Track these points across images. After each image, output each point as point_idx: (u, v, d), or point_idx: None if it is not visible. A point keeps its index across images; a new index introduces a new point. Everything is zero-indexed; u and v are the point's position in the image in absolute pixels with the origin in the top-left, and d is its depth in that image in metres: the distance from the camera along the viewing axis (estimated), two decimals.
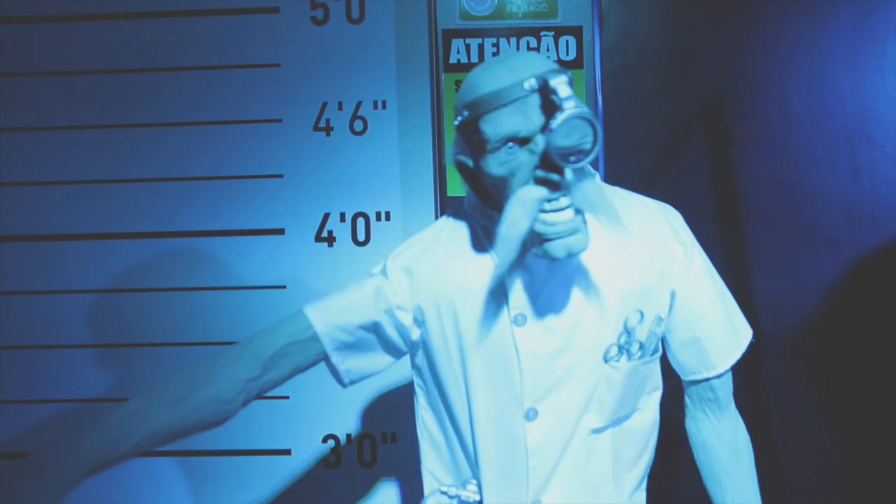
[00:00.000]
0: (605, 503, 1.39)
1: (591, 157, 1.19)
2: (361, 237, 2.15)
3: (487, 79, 1.25)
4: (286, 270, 2.15)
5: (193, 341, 2.13)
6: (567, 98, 1.17)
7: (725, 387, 1.48)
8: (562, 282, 1.34)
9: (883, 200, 2.17)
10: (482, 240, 1.38)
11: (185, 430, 1.32)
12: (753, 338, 1.48)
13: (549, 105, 1.20)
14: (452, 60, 2.05)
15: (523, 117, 1.21)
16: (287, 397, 2.15)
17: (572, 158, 1.18)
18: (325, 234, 2.15)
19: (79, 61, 2.15)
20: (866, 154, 2.18)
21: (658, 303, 1.38)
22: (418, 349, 1.44)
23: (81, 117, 2.15)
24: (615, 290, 1.35)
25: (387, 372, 1.49)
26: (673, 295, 1.40)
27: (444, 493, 1.43)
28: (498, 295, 1.34)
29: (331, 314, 1.38)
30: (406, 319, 1.40)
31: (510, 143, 1.23)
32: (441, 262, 1.39)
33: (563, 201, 1.21)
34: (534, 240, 1.24)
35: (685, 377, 1.49)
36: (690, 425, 1.52)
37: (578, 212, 1.23)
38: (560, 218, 1.21)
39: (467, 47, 2.05)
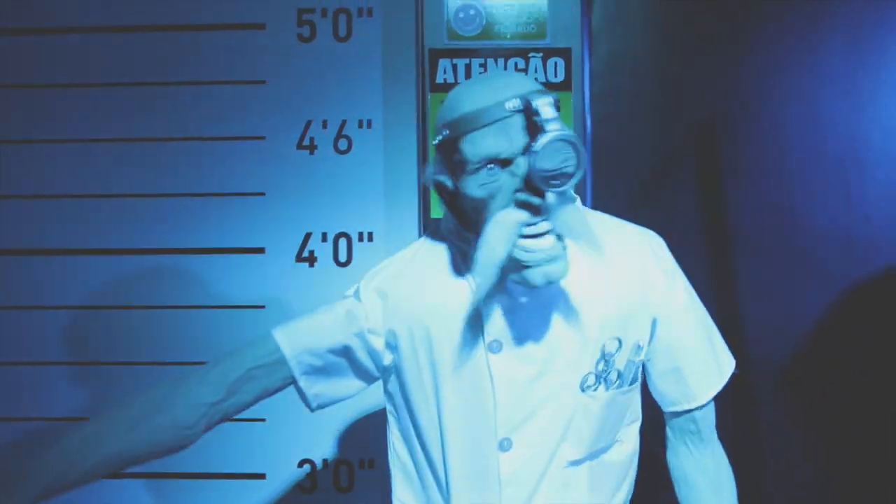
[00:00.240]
0: None
1: (574, 182, 1.17)
2: (343, 258, 2.13)
3: (469, 98, 1.23)
4: (265, 290, 2.12)
5: (169, 360, 2.10)
6: (551, 120, 1.15)
7: (708, 419, 1.45)
8: (539, 308, 1.31)
9: (875, 228, 2.16)
10: (458, 263, 1.35)
11: (143, 456, 1.29)
12: (737, 368, 1.45)
13: (532, 126, 1.18)
14: (439, 80, 2.04)
15: (505, 138, 1.19)
16: (263, 420, 2.12)
17: (555, 182, 1.16)
18: (306, 253, 2.13)
19: (62, 75, 2.14)
20: (859, 181, 2.17)
21: (638, 330, 1.35)
22: (391, 374, 1.41)
23: (61, 131, 2.14)
24: (594, 318, 1.32)
25: (366, 396, 1.46)
26: (654, 323, 1.37)
27: None
28: (473, 320, 1.31)
29: (299, 337, 1.35)
30: (378, 343, 1.37)
31: (491, 165, 1.20)
32: (415, 286, 1.36)
33: (544, 226, 1.19)
34: (512, 266, 1.21)
35: (666, 408, 1.45)
36: (672, 458, 1.49)
37: (559, 238, 1.21)
38: (540, 245, 1.19)
39: (454, 67, 2.03)
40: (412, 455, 1.42)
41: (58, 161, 2.14)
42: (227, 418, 1.34)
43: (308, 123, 2.11)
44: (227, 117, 2.11)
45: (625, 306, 1.34)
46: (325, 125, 2.11)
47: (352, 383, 1.41)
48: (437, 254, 1.38)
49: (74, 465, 1.22)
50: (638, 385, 1.40)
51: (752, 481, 2.10)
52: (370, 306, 1.36)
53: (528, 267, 1.19)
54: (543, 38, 2.03)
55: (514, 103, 1.18)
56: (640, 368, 1.40)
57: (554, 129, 1.15)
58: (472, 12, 2.02)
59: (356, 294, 1.39)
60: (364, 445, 2.12)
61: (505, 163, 1.20)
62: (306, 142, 2.12)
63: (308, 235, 2.12)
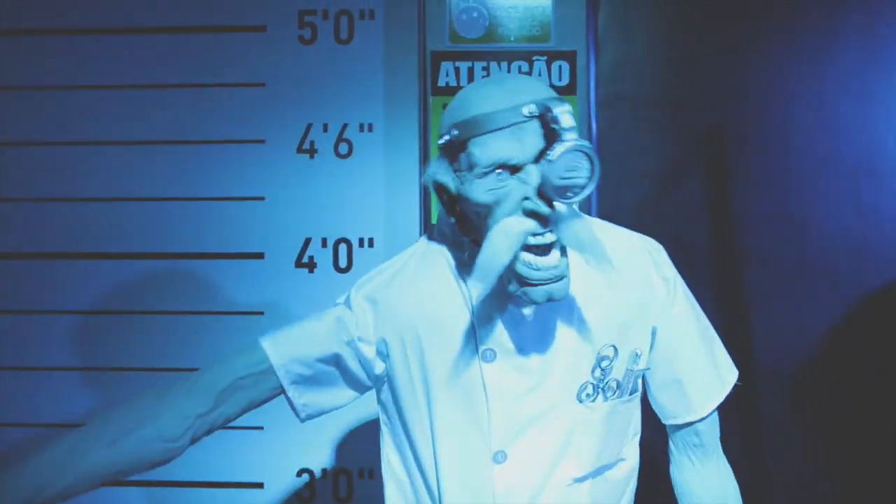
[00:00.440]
0: None
1: (586, 194, 1.14)
2: (343, 264, 2.11)
3: (482, 99, 1.19)
4: (264, 296, 2.11)
5: (165, 367, 2.09)
6: (570, 129, 1.12)
7: (711, 431, 1.41)
8: (534, 316, 1.27)
9: (888, 238, 2.13)
10: (452, 269, 1.32)
11: (126, 471, 1.26)
12: (739, 380, 1.41)
13: (548, 134, 1.15)
14: (441, 84, 2.03)
15: (518, 144, 1.15)
16: (261, 428, 2.10)
17: (569, 194, 1.13)
18: (305, 259, 2.11)
19: (61, 77, 2.14)
20: (872, 189, 2.13)
21: (636, 339, 1.32)
22: (383, 383, 1.38)
23: (58, 133, 2.13)
24: (591, 326, 1.29)
25: (366, 405, 1.44)
26: (653, 332, 1.34)
27: None
28: (466, 329, 1.28)
29: (288, 346, 1.32)
30: (369, 352, 1.34)
31: (500, 170, 1.17)
32: (408, 293, 1.33)
33: (549, 237, 1.16)
34: (511, 278, 1.18)
35: (666, 420, 1.42)
36: (675, 473, 1.45)
37: (563, 253, 1.18)
38: (545, 262, 1.16)
39: (456, 70, 2.02)
40: (405, 466, 1.39)
41: (54, 164, 2.14)
42: (215, 430, 1.31)
43: (308, 127, 2.10)
44: (227, 120, 2.11)
45: (622, 314, 1.31)
46: (325, 129, 2.10)
47: (343, 393, 1.38)
48: (431, 260, 1.35)
49: (54, 479, 1.19)
50: (638, 396, 1.37)
51: (760, 497, 2.08)
52: (360, 314, 1.33)
53: (531, 284, 1.17)
54: (548, 41, 2.02)
55: (531, 108, 1.15)
56: (640, 379, 1.37)
57: (572, 138, 1.12)
58: (475, 14, 2.00)
59: (347, 301, 1.36)
60: (363, 455, 2.10)
61: (515, 169, 1.17)
62: (306, 145, 2.11)
63: (308, 241, 2.11)
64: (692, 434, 1.39)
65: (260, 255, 2.11)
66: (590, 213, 2.03)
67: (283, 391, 1.33)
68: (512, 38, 2.01)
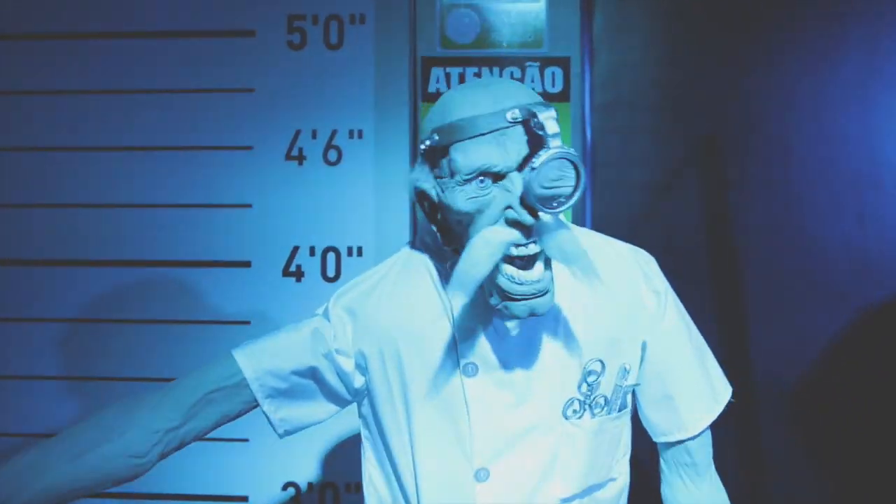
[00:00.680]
0: None
1: (571, 204, 1.10)
2: (331, 273, 2.09)
3: (465, 102, 1.15)
4: (251, 305, 2.09)
5: (148, 376, 2.06)
6: (554, 135, 1.08)
7: (703, 450, 1.37)
8: (518, 329, 1.24)
9: (890, 249, 2.11)
10: (435, 280, 1.28)
11: (89, 487, 1.22)
12: (735, 397, 1.37)
13: (533, 141, 1.10)
14: (431, 90, 2.03)
15: (501, 150, 1.11)
16: (246, 440, 2.07)
17: (553, 203, 1.09)
18: (293, 268, 2.09)
19: (46, 82, 2.12)
20: (873, 199, 2.11)
21: (624, 354, 1.29)
22: (364, 397, 1.35)
23: (43, 139, 2.12)
24: (577, 340, 1.25)
25: (353, 417, 1.39)
26: (643, 347, 1.31)
27: None
28: (447, 342, 1.25)
29: (262, 358, 1.29)
30: (347, 365, 1.30)
31: (482, 178, 1.13)
32: (388, 304, 1.30)
33: (533, 248, 1.11)
34: (493, 290, 1.15)
35: (657, 438, 1.38)
36: (666, 492, 1.41)
37: (547, 265, 1.14)
38: (528, 277, 1.12)
39: (447, 76, 2.02)
40: (387, 481, 1.35)
41: (39, 170, 2.12)
42: (186, 444, 1.28)
43: (297, 133, 2.08)
44: (214, 126, 2.09)
45: (611, 328, 1.27)
46: (314, 135, 2.08)
47: (322, 407, 1.35)
48: (412, 270, 1.32)
49: (10, 497, 1.16)
50: (628, 412, 1.33)
51: None
52: (339, 325, 1.30)
53: (513, 299, 1.12)
54: (541, 47, 2.01)
55: (515, 113, 1.11)
56: (630, 395, 1.33)
57: (556, 145, 1.07)
58: (466, 20, 1.99)
59: (325, 312, 1.33)
60: (350, 468, 2.02)
61: (498, 177, 1.12)
62: (295, 152, 2.08)
63: (295, 249, 2.09)
64: (683, 452, 1.36)
65: (247, 264, 2.09)
66: (583, 224, 2.01)
67: (257, 405, 1.30)
68: (504, 44, 2.00)
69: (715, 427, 1.35)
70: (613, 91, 2.12)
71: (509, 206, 1.11)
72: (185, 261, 2.09)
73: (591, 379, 1.25)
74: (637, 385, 1.33)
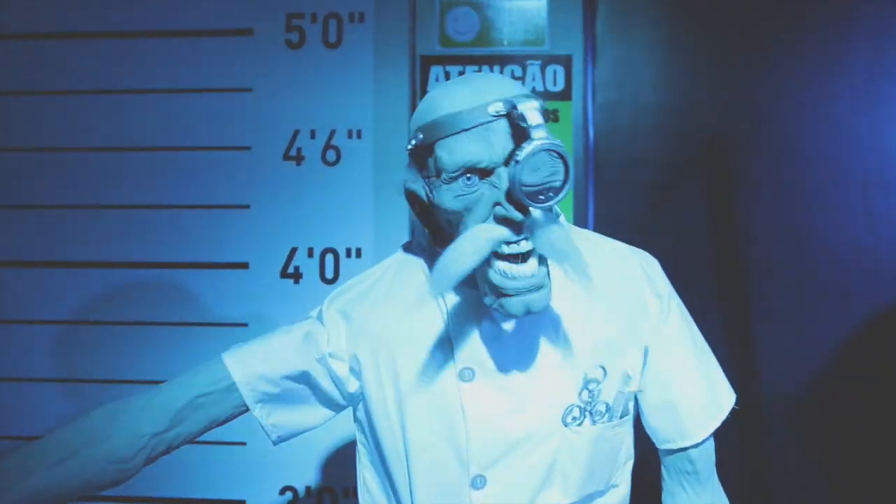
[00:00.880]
0: None
1: (560, 197, 1.06)
2: (330, 274, 2.07)
3: (447, 99, 1.12)
4: (248, 307, 2.08)
5: (146, 378, 2.05)
6: (537, 127, 1.05)
7: (706, 458, 1.34)
8: (516, 333, 1.21)
9: None
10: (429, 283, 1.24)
11: (74, 491, 1.19)
12: (739, 404, 1.34)
13: (517, 134, 1.07)
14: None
15: (485, 145, 1.08)
16: (243, 443, 2.06)
17: (540, 197, 1.05)
18: (291, 269, 2.08)
19: (42, 81, 2.12)
20: (883, 201, 2.08)
21: (626, 359, 1.26)
22: (359, 402, 1.32)
23: (38, 139, 2.11)
24: (577, 344, 1.22)
25: (351, 421, 1.37)
26: (646, 352, 1.27)
27: None
28: (443, 346, 1.22)
29: (252, 362, 1.26)
30: (341, 369, 1.28)
31: (468, 174, 1.10)
32: (382, 307, 1.27)
33: (525, 245, 1.08)
34: (487, 289, 1.12)
35: (659, 445, 1.35)
36: (667, 501, 1.38)
37: (541, 261, 1.10)
38: (521, 272, 1.09)
39: (447, 75, 2.00)
40: (381, 487, 1.33)
41: (35, 170, 2.11)
42: (174, 448, 1.25)
43: (295, 133, 2.07)
44: (212, 126, 2.08)
45: (612, 333, 1.24)
46: (313, 135, 2.07)
47: (316, 412, 1.32)
48: (407, 272, 1.29)
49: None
50: (630, 419, 1.30)
51: None
52: (333, 329, 1.28)
53: (508, 295, 1.09)
54: (542, 45, 1.99)
55: (498, 107, 1.08)
56: (632, 401, 1.30)
57: (540, 137, 1.04)
58: (466, 17, 1.96)
59: (319, 315, 1.31)
60: (348, 473, 2.02)
61: (484, 173, 1.10)
62: (293, 152, 2.07)
63: (293, 250, 2.08)
64: (685, 460, 1.33)
65: (244, 265, 2.08)
66: (585, 225, 1.98)
67: (247, 409, 1.27)
68: (505, 42, 1.98)
69: (718, 435, 1.32)
70: (616, 90, 2.10)
71: (498, 203, 1.08)
72: (182, 262, 2.08)
73: (592, 386, 1.22)
74: (639, 391, 1.30)
